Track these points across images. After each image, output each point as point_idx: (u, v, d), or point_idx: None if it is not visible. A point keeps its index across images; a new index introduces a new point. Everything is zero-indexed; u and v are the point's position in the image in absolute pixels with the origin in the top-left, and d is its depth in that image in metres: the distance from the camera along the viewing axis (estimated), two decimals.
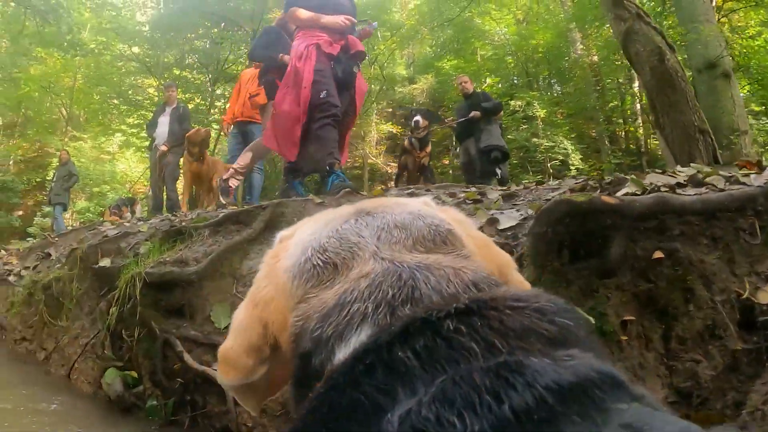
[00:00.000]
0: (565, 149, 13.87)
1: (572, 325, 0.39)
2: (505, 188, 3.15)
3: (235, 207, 3.87)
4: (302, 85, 3.75)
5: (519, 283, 0.62)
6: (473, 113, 6.84)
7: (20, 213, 20.36)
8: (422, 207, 0.59)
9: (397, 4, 20.09)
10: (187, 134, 6.56)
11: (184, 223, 3.27)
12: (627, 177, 2.21)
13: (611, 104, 16.17)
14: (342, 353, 0.42)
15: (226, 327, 2.30)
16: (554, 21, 16.81)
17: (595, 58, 15.81)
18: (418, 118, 6.95)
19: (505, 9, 17.89)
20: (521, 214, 2.08)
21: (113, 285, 2.96)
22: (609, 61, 14.58)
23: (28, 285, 3.99)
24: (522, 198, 2.54)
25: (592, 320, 1.43)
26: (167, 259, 2.77)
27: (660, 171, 2.64)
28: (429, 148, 7.39)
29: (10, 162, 21.78)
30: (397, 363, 0.36)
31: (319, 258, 0.52)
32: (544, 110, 14.76)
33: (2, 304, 4.73)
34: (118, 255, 3.23)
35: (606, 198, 1.57)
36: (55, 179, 10.74)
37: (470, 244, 0.55)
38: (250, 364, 0.58)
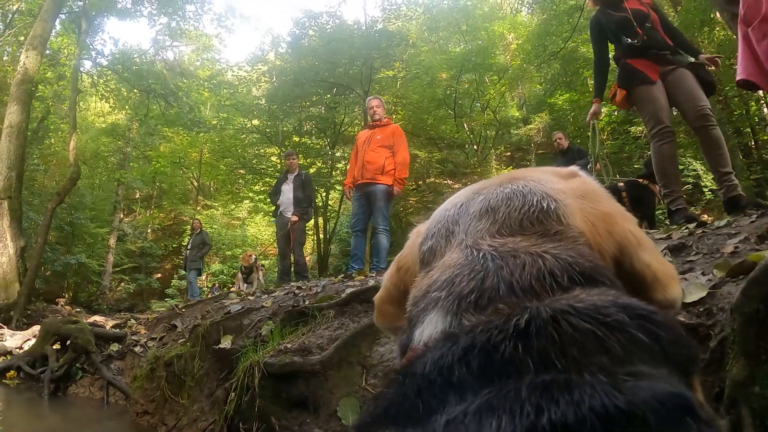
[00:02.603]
0: (695, 170, 12.46)
1: (647, 339, 0.38)
2: (667, 235, 2.49)
3: (362, 275, 3.50)
4: None
5: (644, 266, 0.55)
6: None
7: (158, 276, 22.41)
8: (537, 183, 0.58)
9: (500, 47, 19.78)
10: None
11: (307, 302, 3.02)
12: None
13: (736, 113, 14.23)
14: (418, 331, 0.48)
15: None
16: None
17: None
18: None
19: None
20: (708, 279, 1.63)
21: (232, 368, 2.80)
22: (726, 66, 12.82)
23: (150, 359, 3.96)
24: (694, 250, 2.05)
25: None
26: (289, 346, 2.47)
27: None
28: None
29: (148, 230, 24.27)
30: (453, 377, 0.38)
31: (429, 242, 0.59)
32: None
33: (128, 374, 4.81)
34: (240, 334, 3.02)
35: None
36: (189, 247, 11.45)
37: (577, 221, 0.53)
38: (392, 310, 0.68)
